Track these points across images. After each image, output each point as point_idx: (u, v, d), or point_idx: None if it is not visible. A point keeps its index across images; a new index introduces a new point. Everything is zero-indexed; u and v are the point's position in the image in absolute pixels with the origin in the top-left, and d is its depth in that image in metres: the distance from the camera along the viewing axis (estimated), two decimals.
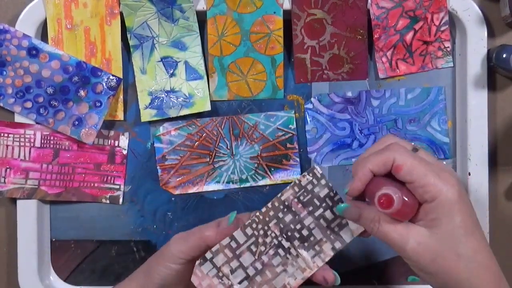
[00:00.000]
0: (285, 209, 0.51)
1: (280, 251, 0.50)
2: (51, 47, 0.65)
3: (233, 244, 0.50)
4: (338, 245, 0.51)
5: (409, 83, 0.67)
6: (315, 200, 0.51)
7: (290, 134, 0.67)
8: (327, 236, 0.51)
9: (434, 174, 0.44)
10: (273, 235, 0.50)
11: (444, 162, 0.67)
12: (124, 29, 0.65)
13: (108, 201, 0.67)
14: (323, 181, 0.51)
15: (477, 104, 0.65)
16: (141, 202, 0.68)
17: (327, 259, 0.50)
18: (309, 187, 0.51)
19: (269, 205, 0.50)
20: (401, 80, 0.67)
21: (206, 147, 0.67)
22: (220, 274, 0.49)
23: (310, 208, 0.51)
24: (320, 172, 0.51)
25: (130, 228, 0.68)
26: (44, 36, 0.66)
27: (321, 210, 0.51)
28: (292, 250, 0.50)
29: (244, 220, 0.50)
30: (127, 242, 0.68)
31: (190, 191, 0.67)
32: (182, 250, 0.50)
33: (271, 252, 0.50)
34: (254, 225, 0.50)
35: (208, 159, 0.67)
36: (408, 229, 0.45)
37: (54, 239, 0.68)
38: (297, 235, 0.50)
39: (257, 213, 0.50)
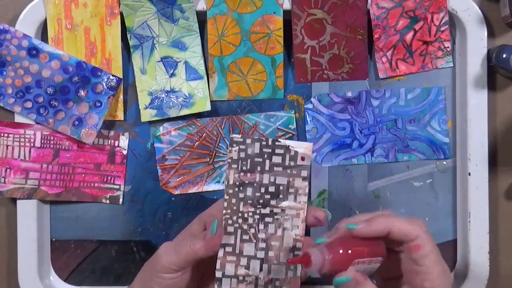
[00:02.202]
0: (241, 187, 0.50)
1: (267, 219, 0.50)
2: (51, 47, 0.65)
3: (228, 249, 0.50)
4: (304, 173, 0.50)
5: (409, 83, 0.67)
6: (256, 159, 0.50)
7: (290, 134, 0.67)
8: (290, 174, 0.50)
9: (439, 270, 0.46)
10: (250, 214, 0.50)
11: (444, 162, 0.67)
12: (124, 29, 0.65)
13: (108, 201, 0.67)
14: (248, 140, 0.50)
15: (477, 104, 0.65)
16: (141, 202, 0.68)
17: (307, 191, 0.50)
18: (242, 154, 0.50)
19: (226, 197, 0.50)
20: (401, 80, 0.67)
21: (206, 147, 0.67)
22: (241, 278, 0.50)
23: (258, 168, 0.50)
24: (239, 136, 0.50)
25: (130, 228, 0.68)
26: (44, 36, 0.66)
27: (267, 161, 0.50)
28: (275, 210, 0.50)
29: (219, 218, 0.51)
30: (127, 242, 0.68)
31: (190, 191, 0.67)
32: (173, 262, 0.50)
33: (261, 226, 0.50)
34: (230, 222, 0.50)
35: (208, 159, 0.67)
36: None
37: (54, 239, 0.68)
38: (268, 196, 0.50)
39: (224, 211, 0.50)
